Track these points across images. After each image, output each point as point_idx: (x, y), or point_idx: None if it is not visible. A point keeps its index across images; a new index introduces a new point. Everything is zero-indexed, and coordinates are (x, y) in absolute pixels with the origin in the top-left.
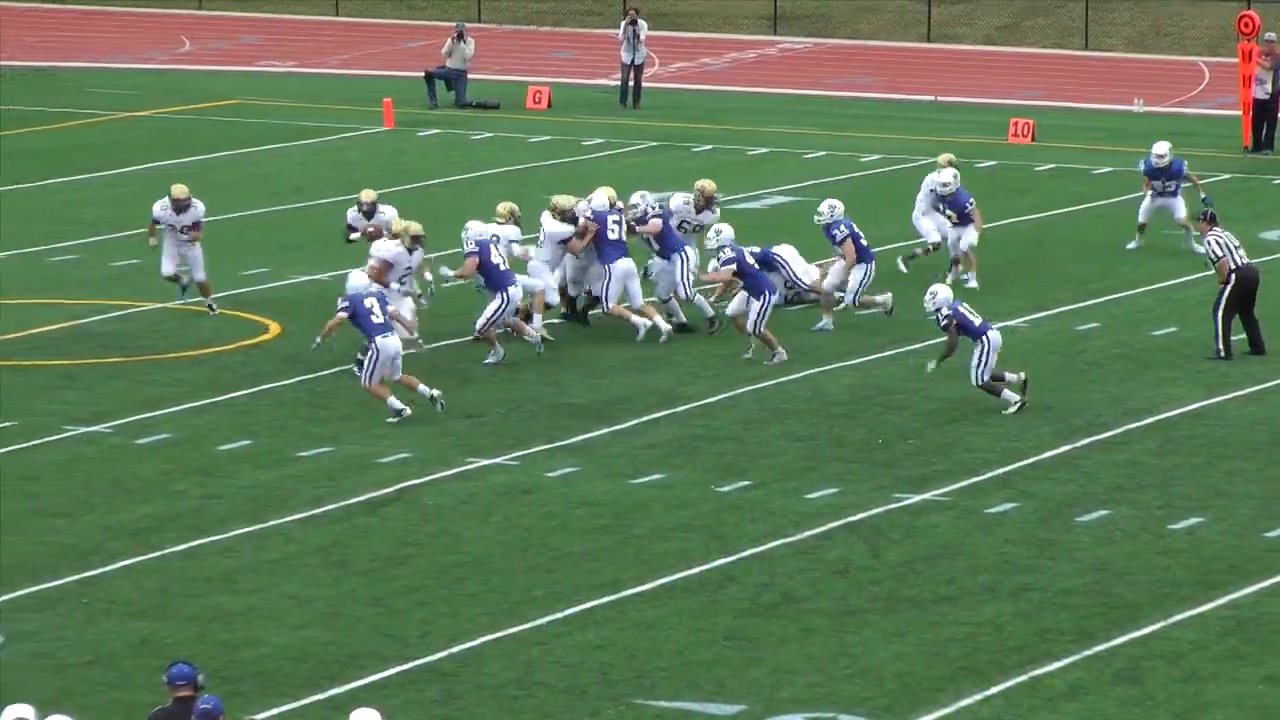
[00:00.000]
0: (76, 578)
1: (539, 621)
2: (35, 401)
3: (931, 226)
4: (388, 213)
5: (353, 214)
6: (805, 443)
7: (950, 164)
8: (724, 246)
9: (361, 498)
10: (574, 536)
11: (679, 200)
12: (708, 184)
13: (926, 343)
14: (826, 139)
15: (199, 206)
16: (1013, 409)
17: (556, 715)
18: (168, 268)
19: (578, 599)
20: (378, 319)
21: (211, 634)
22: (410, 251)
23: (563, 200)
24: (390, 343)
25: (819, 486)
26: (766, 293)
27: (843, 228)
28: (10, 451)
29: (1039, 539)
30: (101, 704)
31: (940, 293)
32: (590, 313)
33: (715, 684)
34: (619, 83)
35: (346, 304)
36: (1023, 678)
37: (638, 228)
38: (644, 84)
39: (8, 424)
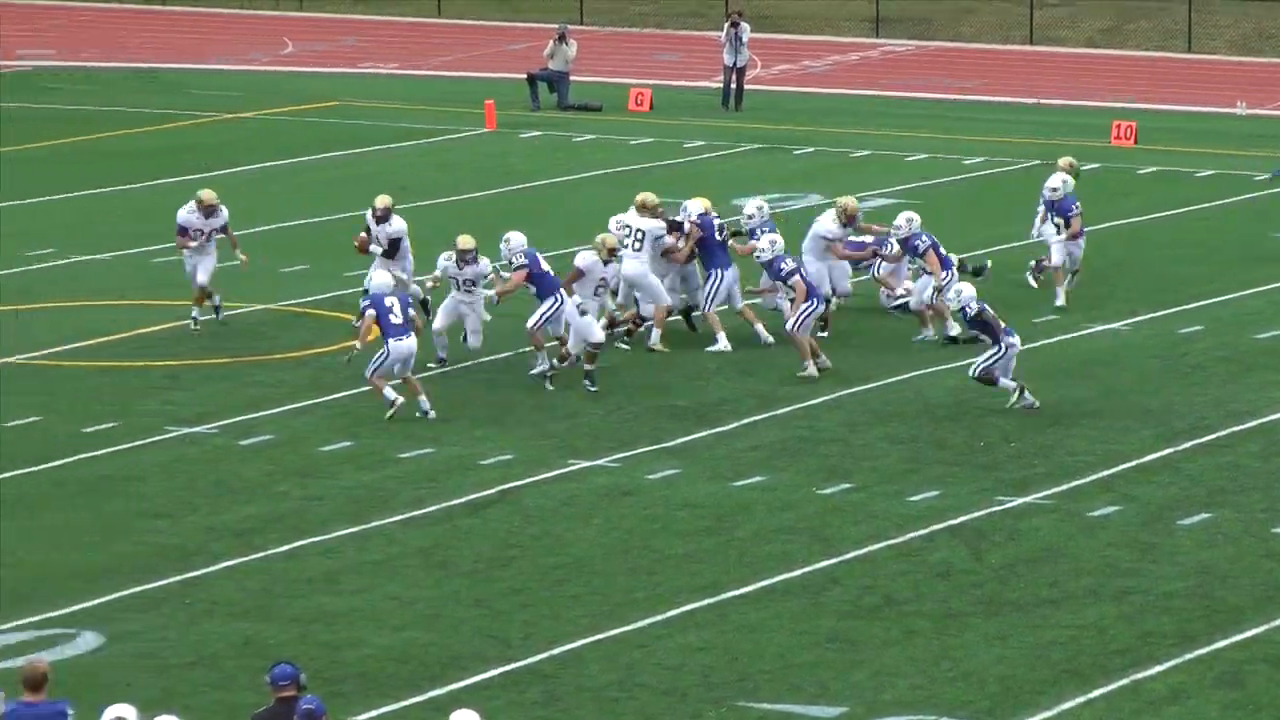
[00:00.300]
0: (180, 578)
1: (640, 623)
2: (140, 402)
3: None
4: (399, 223)
5: (368, 219)
6: (908, 445)
7: (1070, 168)
8: (780, 259)
9: (463, 499)
10: (676, 538)
11: (828, 222)
12: (850, 201)
13: (1031, 344)
14: (929, 141)
15: (225, 210)
16: (1014, 398)
17: (657, 717)
18: (202, 276)
19: (679, 601)
20: (396, 319)
21: (313, 635)
22: (605, 264)
23: (650, 197)
24: (404, 345)
25: (921, 489)
26: (815, 300)
27: (924, 239)
28: (115, 452)
29: (1141, 542)
30: (204, 704)
31: (965, 290)
32: (694, 314)
33: (818, 686)
34: (721, 85)
35: (368, 303)
36: (1124, 681)
37: (739, 246)
38: (746, 86)
39: (112, 424)
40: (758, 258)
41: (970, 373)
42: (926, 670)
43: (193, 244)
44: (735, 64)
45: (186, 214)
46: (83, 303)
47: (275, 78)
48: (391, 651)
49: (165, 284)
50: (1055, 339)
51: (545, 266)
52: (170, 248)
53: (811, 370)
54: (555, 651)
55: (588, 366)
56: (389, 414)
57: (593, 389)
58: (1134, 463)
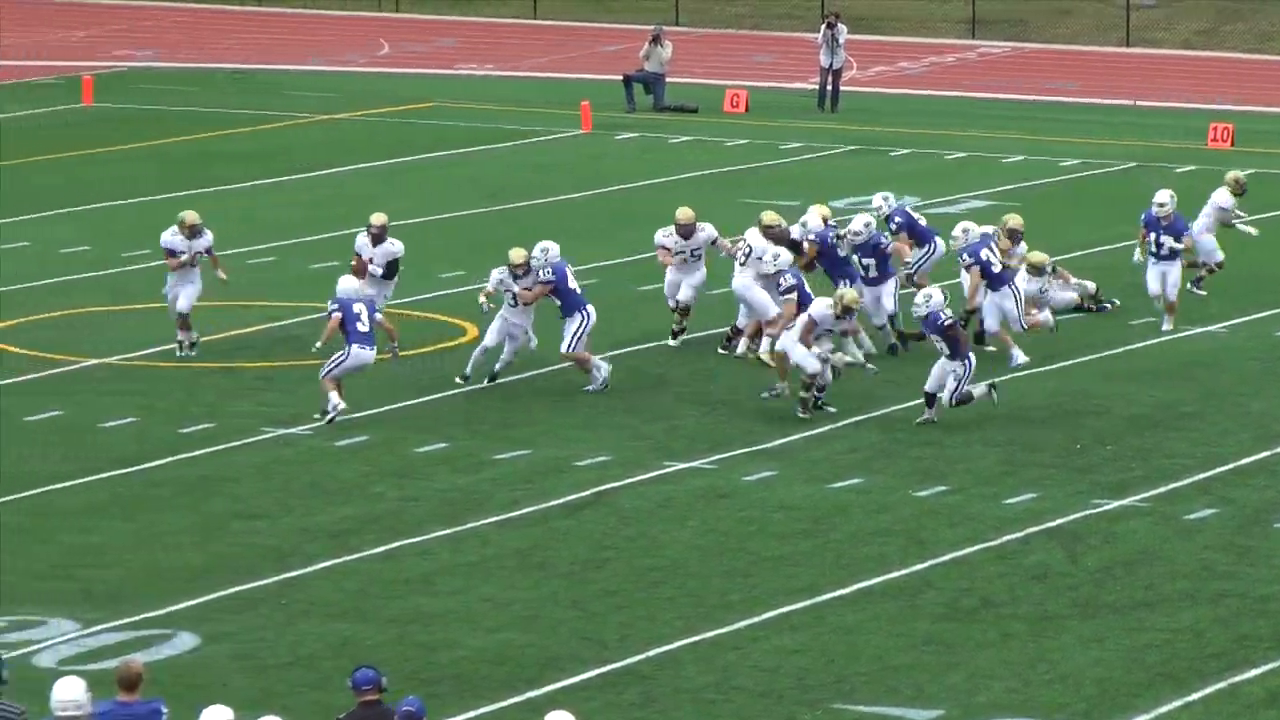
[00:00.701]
0: (276, 579)
1: (736, 625)
2: (235, 403)
3: (1214, 244)
4: (396, 246)
5: (361, 239)
6: (1004, 448)
7: (1235, 183)
8: (784, 272)
9: (559, 501)
10: (772, 540)
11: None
12: (1015, 220)
13: (1128, 346)
14: (1025, 143)
15: (209, 234)
16: (991, 393)
17: (753, 719)
18: (184, 304)
19: (775, 603)
20: (363, 327)
21: (410, 636)
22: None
23: (771, 216)
24: (366, 354)
25: (1017, 492)
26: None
27: (967, 256)
28: (210, 453)
29: (1238, 545)
30: (301, 705)
31: (935, 296)
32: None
33: (913, 688)
34: (817, 86)
35: (335, 306)
36: (1221, 684)
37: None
38: (842, 88)
39: (208, 425)
40: (762, 270)
41: (948, 402)
42: (1022, 673)
43: (174, 272)
44: (831, 65)
45: (170, 236)
46: None
47: (371, 79)
48: (487, 653)
49: (261, 285)
50: (1154, 341)
51: (573, 284)
52: (263, 249)
53: (782, 389)
54: (651, 653)
55: (804, 395)
56: (327, 419)
57: (817, 411)
58: (1231, 465)
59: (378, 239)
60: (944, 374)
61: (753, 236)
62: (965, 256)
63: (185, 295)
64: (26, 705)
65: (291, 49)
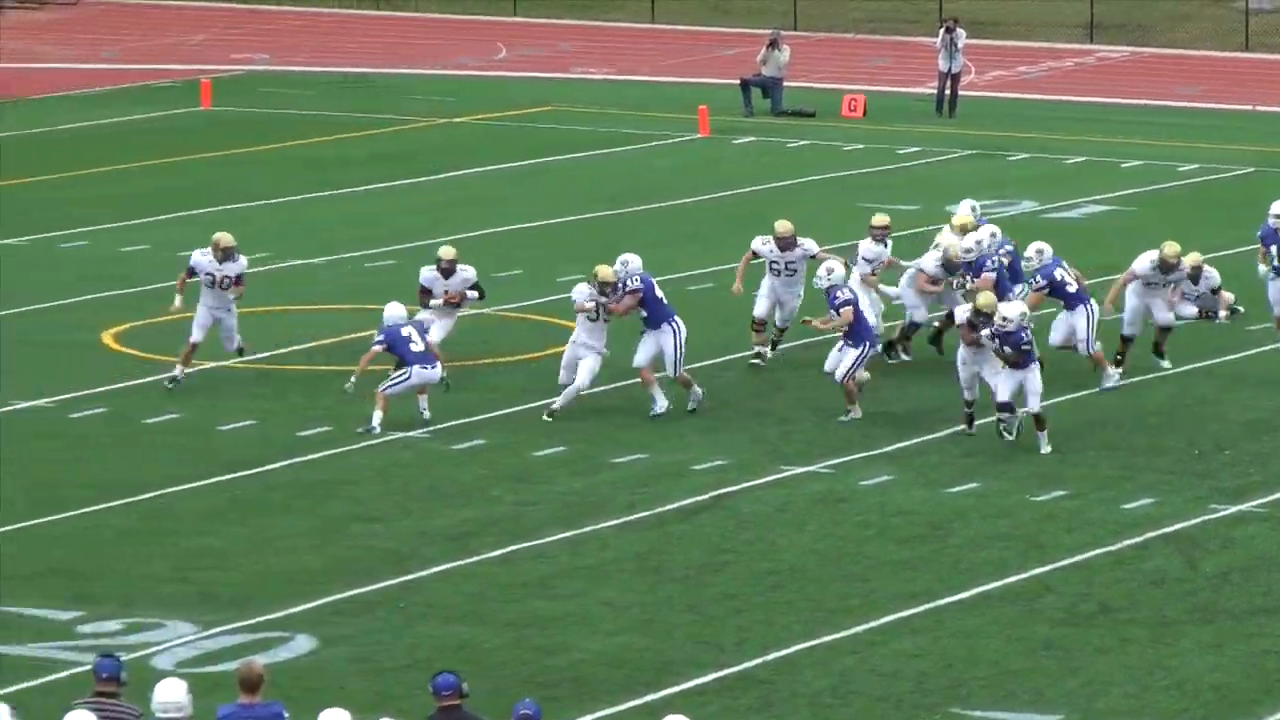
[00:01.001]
0: (394, 582)
1: (854, 630)
2: (353, 406)
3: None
4: (468, 271)
5: (428, 274)
6: (1122, 453)
7: None
8: (836, 287)
9: (676, 504)
10: (890, 545)
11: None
12: (1173, 250)
13: (1245, 351)
14: (1143, 148)
15: (243, 259)
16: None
17: None
18: (198, 334)
19: (893, 608)
20: (417, 347)
21: (526, 639)
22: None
23: (880, 219)
24: (429, 373)
25: (1135, 497)
26: (867, 343)
27: (1040, 277)
28: (329, 456)
29: None
30: (418, 708)
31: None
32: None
33: (1032, 693)
34: (935, 91)
35: (382, 339)
36: None
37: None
38: (960, 92)
39: (327, 428)
40: (815, 284)
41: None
42: (1141, 679)
43: (179, 301)
44: (950, 70)
45: (200, 256)
46: (296, 307)
47: (488, 82)
48: (605, 656)
49: (377, 289)
50: (1271, 347)
51: (659, 294)
52: (382, 252)
53: (856, 413)
54: (769, 657)
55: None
56: (364, 429)
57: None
58: None
59: (448, 272)
60: (1014, 382)
61: (946, 237)
62: (1038, 278)
63: (224, 329)
64: (143, 709)
65: (410, 53)
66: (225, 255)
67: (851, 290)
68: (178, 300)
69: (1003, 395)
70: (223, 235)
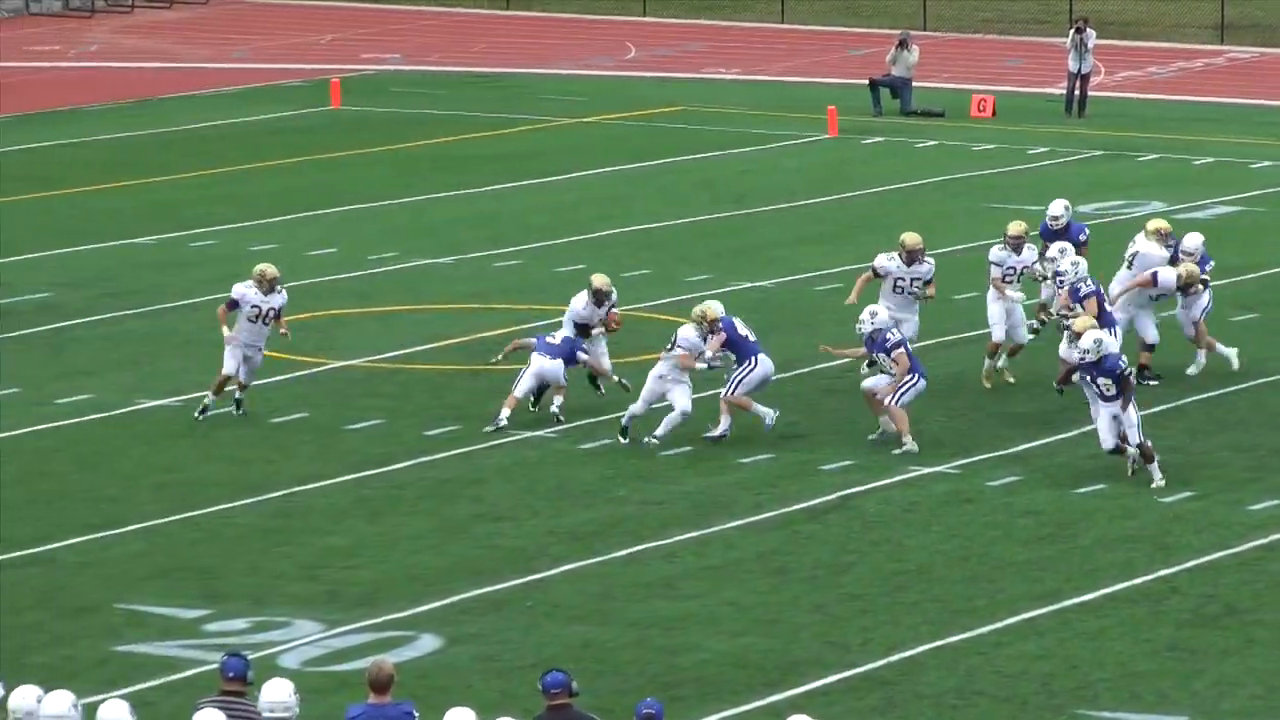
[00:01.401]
0: (520, 581)
1: (979, 631)
2: (480, 406)
3: None
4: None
5: (583, 304)
6: (1249, 454)
7: None
8: (882, 331)
9: (803, 505)
10: (1016, 546)
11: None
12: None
13: None
14: (1273, 149)
15: (285, 292)
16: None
17: None
18: (231, 365)
19: (1019, 608)
20: (551, 339)
21: (650, 639)
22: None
23: (1017, 226)
24: (548, 366)
25: (1263, 498)
26: (917, 374)
27: (1088, 284)
28: (456, 455)
29: None
30: (542, 708)
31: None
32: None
33: (1157, 695)
34: (1065, 91)
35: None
36: None
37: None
38: (1089, 92)
39: (454, 428)
40: (859, 330)
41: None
42: (1267, 680)
43: (227, 330)
44: (1080, 70)
45: (244, 288)
46: (424, 306)
47: (618, 82)
48: (729, 657)
49: (505, 288)
50: None
51: (745, 331)
52: (508, 252)
53: (910, 445)
54: (894, 658)
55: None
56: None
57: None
58: None
59: (602, 299)
60: (1112, 422)
61: (1142, 243)
62: (1086, 282)
63: (247, 365)
64: None
65: (539, 53)
66: (270, 287)
67: (899, 332)
68: (228, 331)
69: (1106, 443)
70: (267, 266)
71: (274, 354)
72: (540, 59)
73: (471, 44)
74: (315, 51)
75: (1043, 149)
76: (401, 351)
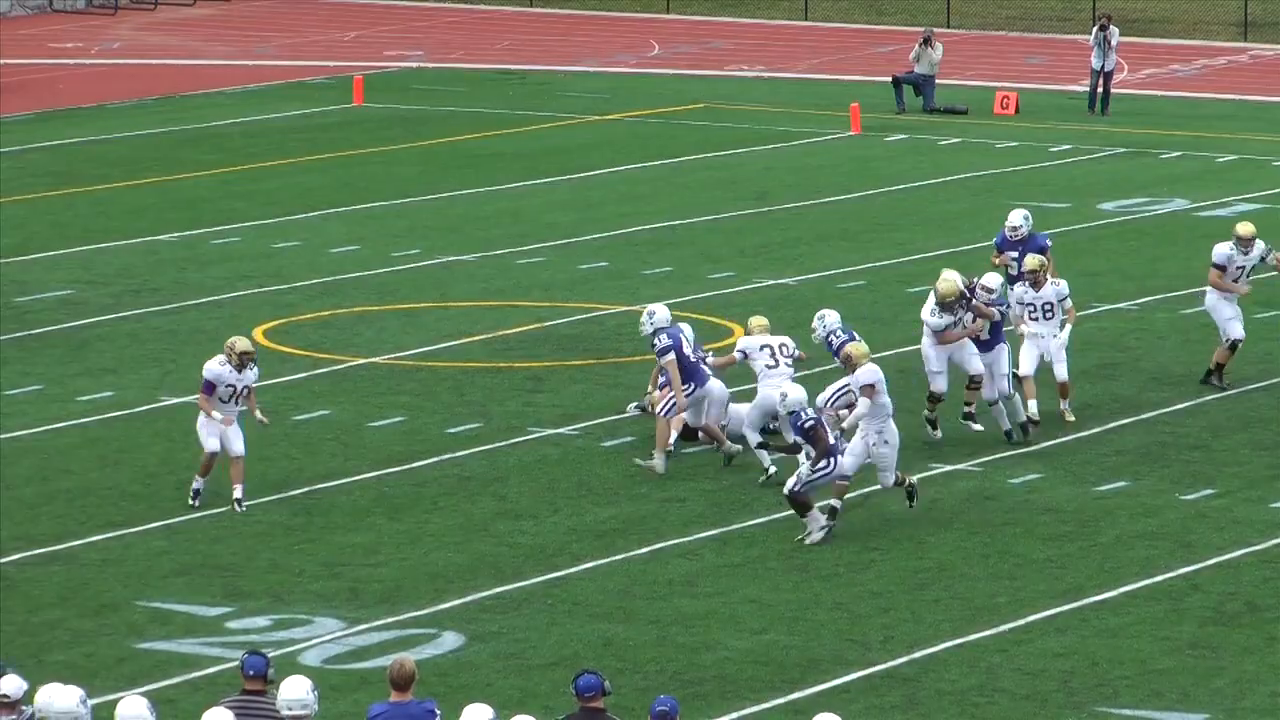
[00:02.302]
0: (541, 579)
1: (1001, 628)
2: (503, 403)
3: None
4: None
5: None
6: (1272, 451)
7: None
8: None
9: (825, 501)
10: (1037, 543)
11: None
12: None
13: None
14: None
15: (257, 367)
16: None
17: None
18: (213, 442)
19: (1040, 606)
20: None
21: (672, 637)
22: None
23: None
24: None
25: None
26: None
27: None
28: (477, 453)
29: None
30: (564, 705)
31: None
32: None
33: (1178, 692)
34: (1088, 89)
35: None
36: None
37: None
38: (1113, 90)
39: (475, 425)
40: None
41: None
42: None
43: (217, 415)
44: (1103, 67)
45: (217, 366)
46: (448, 304)
47: (641, 79)
48: (750, 654)
49: (529, 286)
50: None
51: (688, 350)
52: (531, 249)
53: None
54: (915, 655)
55: None
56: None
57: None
58: None
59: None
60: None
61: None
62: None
63: (235, 438)
64: None
65: (562, 50)
66: (242, 362)
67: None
68: (217, 414)
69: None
70: (238, 340)
71: (297, 351)
72: (563, 56)
73: (495, 41)
74: (338, 48)
75: (1066, 146)
76: (424, 349)
